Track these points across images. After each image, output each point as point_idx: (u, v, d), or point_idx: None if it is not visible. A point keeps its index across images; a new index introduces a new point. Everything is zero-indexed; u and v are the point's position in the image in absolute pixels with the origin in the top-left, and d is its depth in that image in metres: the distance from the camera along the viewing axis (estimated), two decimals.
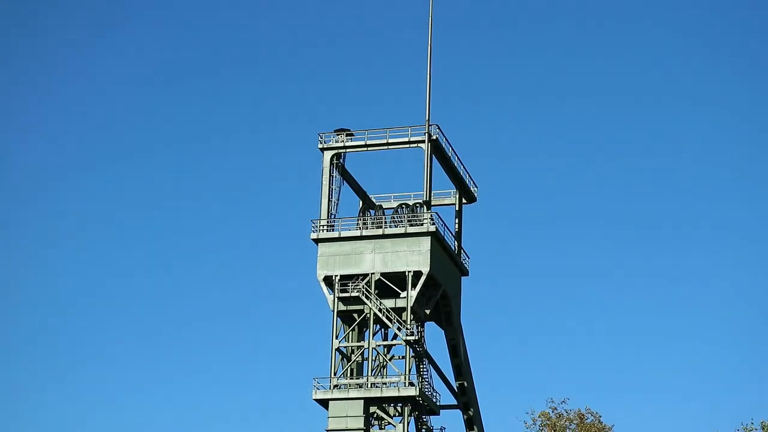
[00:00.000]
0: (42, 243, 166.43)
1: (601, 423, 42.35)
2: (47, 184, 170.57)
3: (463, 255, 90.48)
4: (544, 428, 41.85)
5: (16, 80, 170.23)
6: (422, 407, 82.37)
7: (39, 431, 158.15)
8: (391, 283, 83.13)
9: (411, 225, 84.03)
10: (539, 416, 42.03)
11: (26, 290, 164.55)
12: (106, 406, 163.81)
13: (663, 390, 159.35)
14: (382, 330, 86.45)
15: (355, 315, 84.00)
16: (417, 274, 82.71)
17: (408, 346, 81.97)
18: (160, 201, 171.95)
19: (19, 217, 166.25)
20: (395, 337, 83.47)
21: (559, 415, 42.59)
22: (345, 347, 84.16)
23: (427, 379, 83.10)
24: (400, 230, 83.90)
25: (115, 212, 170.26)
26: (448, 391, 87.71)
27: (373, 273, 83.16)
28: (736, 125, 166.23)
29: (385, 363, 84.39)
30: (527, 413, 42.48)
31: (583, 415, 42.85)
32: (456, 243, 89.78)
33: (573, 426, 41.47)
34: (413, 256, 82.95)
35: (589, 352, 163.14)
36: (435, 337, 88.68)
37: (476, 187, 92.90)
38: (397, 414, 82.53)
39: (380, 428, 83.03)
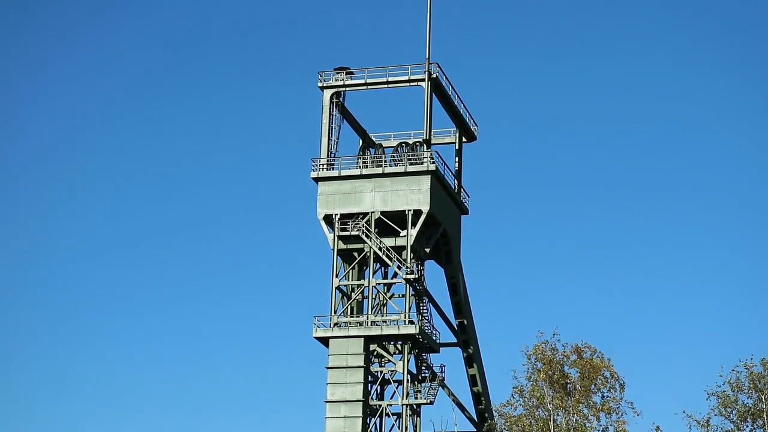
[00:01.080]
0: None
1: (603, 358, 42.50)
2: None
3: (463, 194, 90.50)
4: (538, 363, 42.02)
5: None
6: (422, 345, 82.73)
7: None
8: (391, 222, 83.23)
9: (411, 164, 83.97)
10: (533, 352, 42.13)
11: None
12: (105, 347, 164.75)
13: (663, 327, 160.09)
14: (382, 268, 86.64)
15: (355, 254, 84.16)
16: (417, 213, 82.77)
17: (408, 285, 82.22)
18: (161, 140, 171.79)
19: None
20: (395, 275, 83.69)
21: (553, 349, 42.70)
22: (345, 286, 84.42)
23: (426, 317, 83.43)
24: (400, 169, 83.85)
25: (111, 152, 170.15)
26: (448, 329, 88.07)
27: (373, 212, 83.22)
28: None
29: (385, 301, 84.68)
30: (522, 350, 42.59)
31: (580, 349, 42.96)
32: (456, 182, 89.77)
33: (570, 361, 41.71)
34: (413, 195, 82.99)
35: (588, 290, 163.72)
36: (435, 276, 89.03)
37: (476, 125, 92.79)
38: (397, 352, 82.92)
39: (380, 366, 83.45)
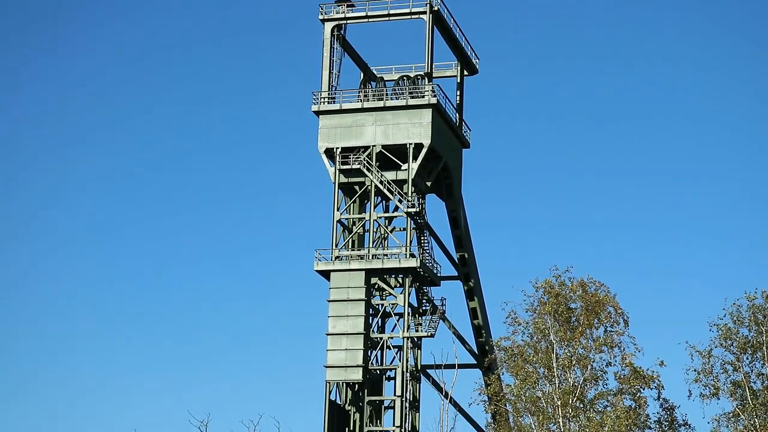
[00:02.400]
0: None
1: (608, 293, 42.62)
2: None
3: (464, 127, 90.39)
4: (546, 297, 42.20)
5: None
6: (423, 278, 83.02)
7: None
8: (392, 156, 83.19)
9: (412, 97, 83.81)
10: (542, 285, 42.24)
11: None
12: (106, 282, 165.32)
13: (667, 261, 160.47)
14: (383, 202, 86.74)
15: (357, 187, 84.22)
16: (418, 146, 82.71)
17: (409, 218, 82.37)
18: (162, 76, 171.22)
19: None
20: (396, 209, 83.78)
21: (562, 284, 42.83)
22: (346, 219, 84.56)
23: (427, 251, 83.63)
24: (401, 102, 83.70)
25: (111, 88, 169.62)
26: (449, 262, 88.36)
27: (374, 145, 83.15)
28: None
29: (386, 235, 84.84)
30: (530, 282, 42.73)
31: (585, 284, 43.09)
32: (457, 115, 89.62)
33: (575, 296, 41.89)
34: (414, 128, 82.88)
35: (589, 224, 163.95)
36: (436, 209, 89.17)
37: (478, 58, 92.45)
38: (398, 285, 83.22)
39: (381, 299, 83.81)
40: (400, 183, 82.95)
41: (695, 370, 44.52)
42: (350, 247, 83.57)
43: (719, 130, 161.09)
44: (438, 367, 58.15)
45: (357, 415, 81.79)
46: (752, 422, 44.30)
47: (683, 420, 46.02)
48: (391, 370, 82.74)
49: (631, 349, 43.47)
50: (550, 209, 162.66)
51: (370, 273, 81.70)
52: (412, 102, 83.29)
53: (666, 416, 46.05)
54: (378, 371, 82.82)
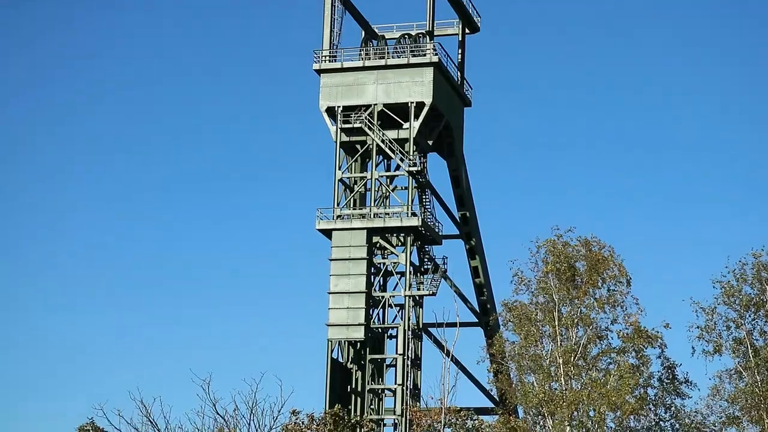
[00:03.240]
0: None
1: (612, 252, 42.62)
2: None
3: (465, 86, 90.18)
4: (548, 256, 42.16)
5: None
6: (424, 237, 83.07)
7: None
8: (393, 114, 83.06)
9: (414, 55, 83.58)
10: (543, 244, 42.21)
11: None
12: (110, 233, 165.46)
13: (672, 218, 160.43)
14: (385, 161, 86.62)
15: (358, 146, 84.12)
16: (419, 105, 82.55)
17: (410, 177, 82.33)
18: (163, 33, 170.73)
19: None
20: (398, 168, 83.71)
21: (565, 243, 42.78)
22: (348, 178, 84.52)
23: (429, 210, 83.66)
24: (403, 61, 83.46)
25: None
26: (451, 221, 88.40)
27: (376, 104, 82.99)
28: None
29: (387, 194, 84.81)
30: (532, 241, 42.67)
31: (589, 242, 43.06)
32: (459, 73, 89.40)
33: (579, 255, 41.85)
34: (416, 87, 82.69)
35: (591, 184, 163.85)
36: (437, 168, 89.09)
37: (479, 16, 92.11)
38: (399, 244, 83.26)
39: (383, 258, 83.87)
40: (401, 142, 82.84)
41: (698, 327, 44.60)
42: (352, 206, 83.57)
43: (722, 88, 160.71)
44: (439, 325, 58.12)
45: (359, 374, 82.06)
46: (754, 379, 44.45)
47: (684, 377, 46.13)
48: (392, 328, 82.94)
49: (634, 309, 43.49)
50: (552, 169, 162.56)
51: (371, 232, 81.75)
52: (413, 60, 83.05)
53: (667, 375, 46.15)
54: (380, 329, 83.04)
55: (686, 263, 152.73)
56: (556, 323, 43.08)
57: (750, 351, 44.42)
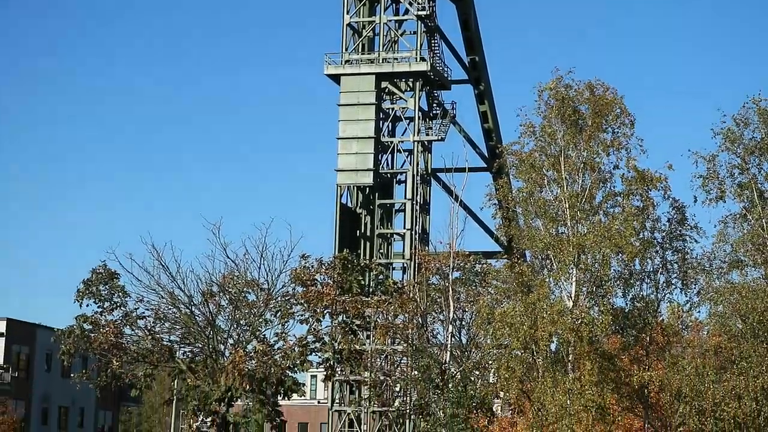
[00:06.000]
0: None
1: (615, 95, 42.34)
2: None
3: None
4: (552, 100, 41.96)
5: None
6: (433, 82, 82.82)
7: None
8: None
9: None
10: (545, 88, 42.00)
11: None
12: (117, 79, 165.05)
13: (676, 70, 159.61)
14: (394, 5, 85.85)
15: None
16: None
17: (419, 21, 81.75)
18: None
19: None
20: (407, 12, 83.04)
21: (567, 86, 42.55)
22: (356, 23, 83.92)
23: (438, 54, 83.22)
24: None
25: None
26: (460, 67, 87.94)
27: None
28: None
29: (396, 38, 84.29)
30: (535, 86, 42.46)
31: (593, 86, 42.83)
32: None
33: (582, 98, 41.55)
34: None
35: (601, 31, 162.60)
36: (447, 13, 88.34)
37: None
38: (408, 89, 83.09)
39: (392, 103, 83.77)
40: None
41: (701, 176, 44.33)
42: (360, 51, 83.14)
43: None
44: (448, 170, 58.56)
45: (368, 218, 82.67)
46: (759, 223, 44.45)
47: (693, 223, 46.18)
48: (401, 173, 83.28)
49: (638, 151, 43.41)
50: (563, 11, 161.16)
51: (380, 77, 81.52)
52: None
53: (676, 216, 46.15)
54: (388, 175, 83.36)
55: (688, 113, 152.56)
56: (562, 168, 43.06)
57: (756, 195, 44.26)
